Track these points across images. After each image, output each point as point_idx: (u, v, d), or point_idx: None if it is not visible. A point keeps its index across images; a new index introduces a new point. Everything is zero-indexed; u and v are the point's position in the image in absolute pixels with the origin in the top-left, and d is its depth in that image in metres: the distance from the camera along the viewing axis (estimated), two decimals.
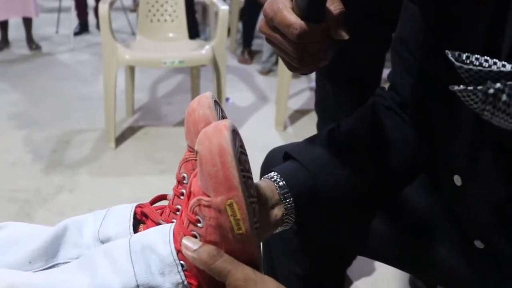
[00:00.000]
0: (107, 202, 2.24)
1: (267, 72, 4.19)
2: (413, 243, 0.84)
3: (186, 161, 0.65)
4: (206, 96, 0.63)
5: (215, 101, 0.64)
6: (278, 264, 0.96)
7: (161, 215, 0.67)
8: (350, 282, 1.73)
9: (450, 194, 0.76)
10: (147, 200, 0.71)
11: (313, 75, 3.81)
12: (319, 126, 1.68)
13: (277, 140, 2.85)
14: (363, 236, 0.87)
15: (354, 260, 1.62)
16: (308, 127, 3.03)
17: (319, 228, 0.87)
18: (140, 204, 0.69)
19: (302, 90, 3.81)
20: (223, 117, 0.64)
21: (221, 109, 0.65)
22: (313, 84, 3.76)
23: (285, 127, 3.07)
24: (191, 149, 0.65)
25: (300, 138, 0.86)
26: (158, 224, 0.65)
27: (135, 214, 0.67)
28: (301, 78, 4.06)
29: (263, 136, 2.78)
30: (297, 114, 3.31)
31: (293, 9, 0.71)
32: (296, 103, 3.49)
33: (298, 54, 0.73)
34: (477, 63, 0.53)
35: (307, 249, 0.93)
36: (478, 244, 0.74)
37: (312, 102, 3.47)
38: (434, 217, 0.83)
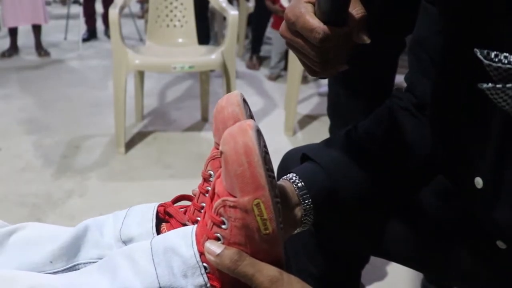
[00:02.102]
0: (118, 207, 2.21)
1: (275, 77, 4.19)
2: (431, 243, 0.84)
3: (213, 159, 0.64)
4: (235, 94, 0.63)
5: (244, 100, 0.63)
6: (294, 264, 0.96)
7: (184, 214, 0.66)
8: (362, 287, 1.72)
9: (468, 196, 0.75)
10: None
11: (323, 80, 3.83)
12: (332, 130, 1.67)
13: (286, 145, 2.84)
14: (379, 236, 0.86)
15: (367, 263, 1.63)
16: (317, 132, 3.03)
17: (335, 228, 0.87)
18: (162, 203, 0.68)
19: (311, 95, 3.80)
20: (251, 116, 0.63)
21: (249, 108, 0.64)
22: (322, 89, 3.76)
23: (294, 132, 3.06)
24: (218, 147, 0.64)
25: (309, 143, 0.86)
26: (184, 224, 0.64)
27: (157, 213, 0.67)
28: (310, 83, 4.06)
29: (273, 141, 2.77)
30: (306, 119, 3.31)
31: (315, 13, 0.70)
32: (305, 108, 3.49)
33: (320, 58, 0.73)
34: (506, 61, 0.52)
35: (323, 249, 0.93)
36: (501, 244, 0.73)
37: (321, 107, 3.50)
38: (453, 217, 0.83)
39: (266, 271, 0.55)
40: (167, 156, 2.68)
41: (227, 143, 0.52)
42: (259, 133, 0.53)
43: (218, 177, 0.55)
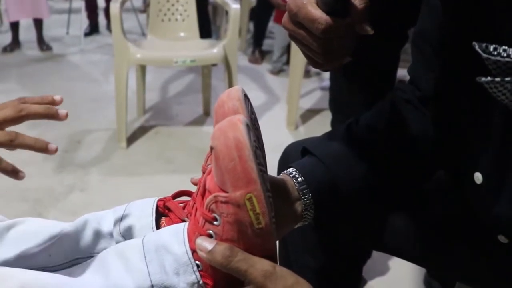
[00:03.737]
0: (119, 202, 2.21)
1: (277, 72, 4.18)
2: (432, 238, 0.83)
3: None
4: (236, 89, 0.62)
5: (245, 95, 0.62)
6: (294, 258, 0.95)
7: (183, 209, 0.66)
8: (365, 282, 1.72)
9: (468, 191, 0.75)
10: None
11: (325, 75, 3.82)
12: (333, 124, 1.67)
13: (288, 139, 2.83)
14: (379, 231, 0.86)
15: (369, 258, 1.62)
16: (319, 126, 3.02)
17: (336, 223, 0.86)
18: (161, 198, 0.68)
19: (313, 89, 3.79)
20: (252, 111, 0.63)
21: (250, 103, 0.64)
22: (324, 84, 3.75)
23: (296, 127, 3.06)
24: None
25: None
26: (183, 220, 0.64)
27: (157, 207, 0.66)
28: (312, 77, 4.05)
29: (275, 136, 2.76)
30: (309, 114, 3.30)
31: (317, 4, 0.69)
32: (307, 103, 3.47)
33: (322, 50, 0.72)
34: (505, 55, 0.52)
35: (323, 243, 0.92)
36: (502, 239, 0.73)
37: (323, 101, 3.49)
38: (455, 211, 0.82)
39: (259, 266, 0.54)
40: (169, 151, 2.67)
41: (217, 138, 0.51)
42: (249, 127, 0.53)
43: (209, 173, 0.55)
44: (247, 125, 0.53)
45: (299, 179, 0.73)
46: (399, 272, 1.78)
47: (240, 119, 0.52)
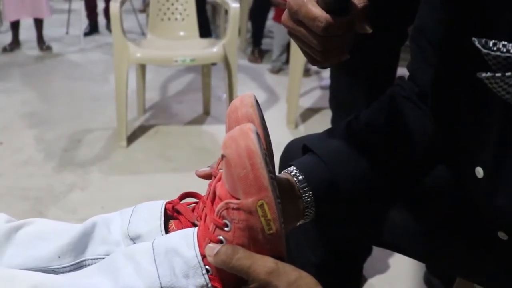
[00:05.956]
0: (119, 200, 2.25)
1: (277, 71, 4.18)
2: (431, 234, 0.84)
3: None
4: (249, 95, 0.63)
5: (256, 101, 0.63)
6: (296, 255, 0.96)
7: (192, 211, 0.66)
8: (365, 280, 1.73)
9: (470, 186, 0.75)
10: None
11: (325, 73, 3.82)
12: (333, 121, 1.67)
13: (288, 138, 2.81)
14: (380, 227, 0.86)
15: (369, 256, 1.63)
16: (319, 125, 3.02)
17: (336, 218, 0.87)
18: (169, 201, 0.68)
19: (313, 88, 3.79)
20: (262, 117, 0.64)
21: (261, 109, 0.65)
22: (324, 82, 3.75)
23: (296, 125, 3.06)
24: None
25: None
26: (193, 223, 0.65)
27: (165, 210, 0.67)
28: (311, 76, 4.05)
29: (275, 134, 2.73)
30: (308, 112, 3.30)
31: (317, 2, 0.70)
32: (307, 101, 3.48)
33: (322, 47, 0.73)
34: (505, 50, 0.52)
35: (325, 240, 0.93)
36: (502, 235, 0.73)
37: (323, 100, 3.49)
38: (455, 207, 0.82)
39: (262, 262, 0.55)
40: (169, 150, 2.68)
41: (229, 147, 0.52)
42: (258, 135, 0.54)
43: (218, 180, 0.56)
44: (257, 133, 0.54)
45: (300, 177, 0.73)
46: (399, 269, 1.79)
47: (250, 128, 0.53)
